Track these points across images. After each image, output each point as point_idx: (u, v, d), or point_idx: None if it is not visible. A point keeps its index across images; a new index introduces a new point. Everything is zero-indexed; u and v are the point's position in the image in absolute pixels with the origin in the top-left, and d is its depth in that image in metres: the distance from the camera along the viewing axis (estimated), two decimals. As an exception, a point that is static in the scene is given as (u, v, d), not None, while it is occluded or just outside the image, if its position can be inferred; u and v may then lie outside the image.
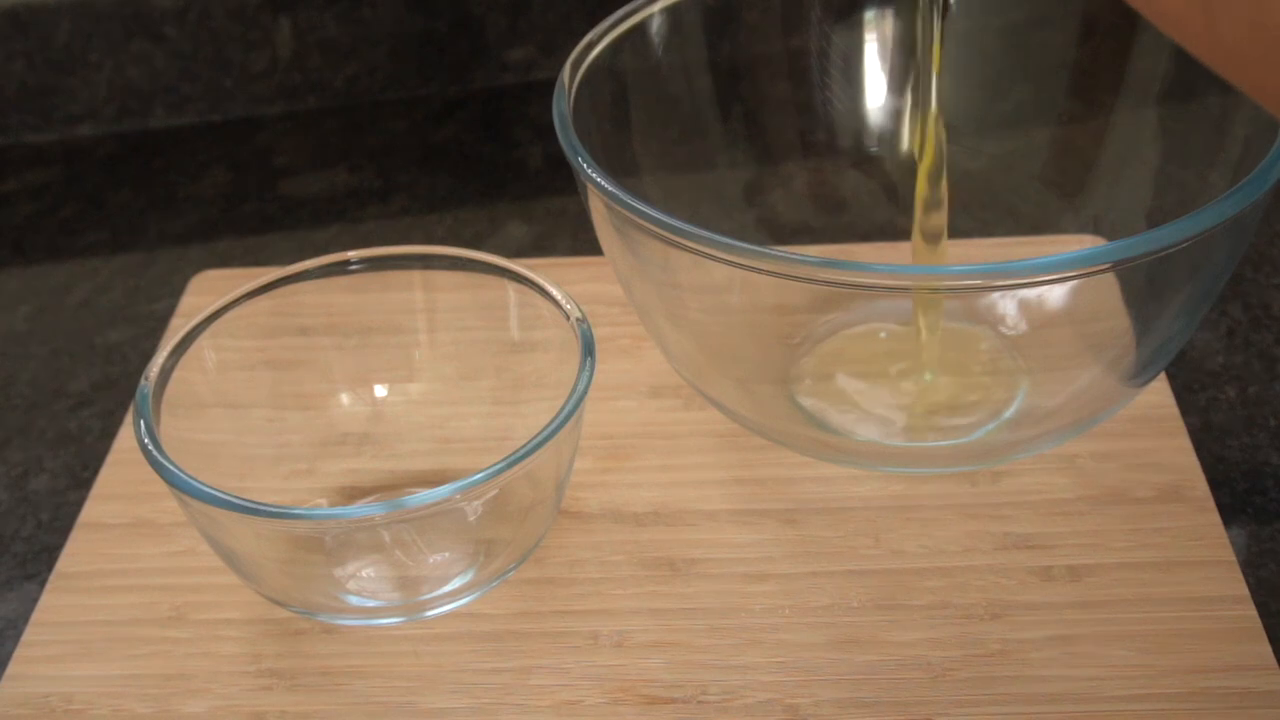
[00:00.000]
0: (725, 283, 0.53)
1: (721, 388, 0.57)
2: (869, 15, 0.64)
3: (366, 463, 0.58)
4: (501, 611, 0.53)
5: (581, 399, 0.50)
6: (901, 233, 0.68)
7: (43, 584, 0.55)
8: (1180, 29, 0.35)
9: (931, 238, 0.57)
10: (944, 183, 0.57)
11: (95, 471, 0.60)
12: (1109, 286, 0.48)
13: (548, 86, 0.54)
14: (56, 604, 0.54)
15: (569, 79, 0.55)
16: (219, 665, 0.52)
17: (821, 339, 0.61)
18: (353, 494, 0.57)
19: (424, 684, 0.51)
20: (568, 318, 0.53)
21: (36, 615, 0.54)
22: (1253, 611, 0.51)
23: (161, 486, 0.48)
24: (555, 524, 0.55)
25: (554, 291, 0.54)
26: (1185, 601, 0.51)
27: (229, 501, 0.47)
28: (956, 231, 0.67)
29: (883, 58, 0.65)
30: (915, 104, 0.63)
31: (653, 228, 0.48)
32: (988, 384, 0.59)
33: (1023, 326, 0.59)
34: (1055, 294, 0.51)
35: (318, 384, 0.59)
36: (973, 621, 0.51)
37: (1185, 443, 0.57)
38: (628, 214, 0.49)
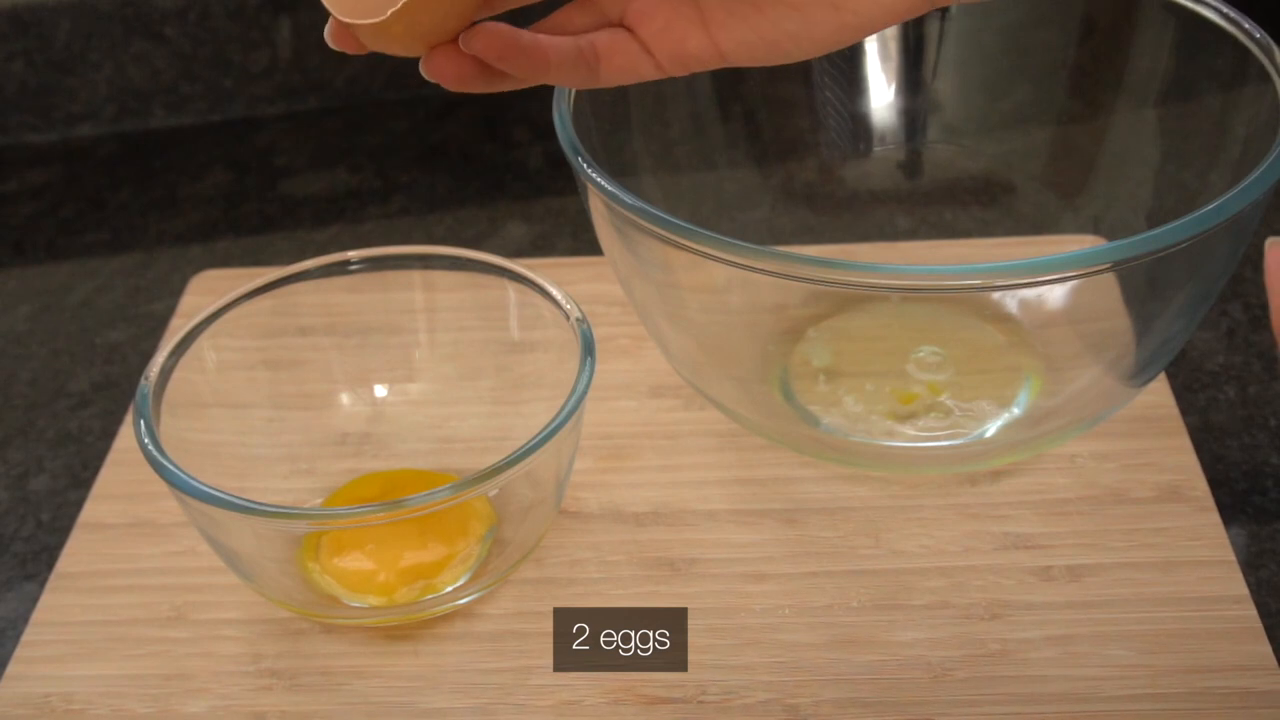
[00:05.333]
0: (725, 283, 0.53)
1: (721, 387, 0.57)
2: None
3: (366, 463, 0.58)
4: (501, 611, 0.53)
5: (581, 399, 0.50)
6: (901, 233, 0.68)
7: (43, 584, 0.55)
8: None
9: None
10: None
11: (95, 471, 0.60)
12: (1109, 286, 0.48)
13: (548, 86, 0.54)
14: (56, 604, 0.54)
15: (569, 79, 0.55)
16: (219, 665, 0.52)
17: (821, 339, 0.61)
18: (353, 494, 0.57)
19: (424, 684, 0.51)
20: (568, 318, 0.53)
21: (36, 615, 0.54)
22: (1253, 611, 0.51)
23: (161, 486, 0.48)
24: (555, 524, 0.55)
25: (554, 291, 0.54)
26: (1185, 601, 0.51)
27: (229, 501, 0.47)
28: (956, 231, 0.67)
29: (883, 58, 0.65)
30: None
31: (653, 228, 0.48)
32: (988, 384, 0.59)
33: (1023, 326, 0.59)
34: (1055, 294, 0.51)
35: (318, 384, 0.59)
36: (973, 621, 0.51)
37: (1185, 443, 0.57)
38: (628, 214, 0.49)
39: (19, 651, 0.52)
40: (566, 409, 0.49)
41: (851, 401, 0.59)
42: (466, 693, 0.50)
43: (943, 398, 0.59)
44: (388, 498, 0.48)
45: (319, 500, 0.56)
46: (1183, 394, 0.61)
